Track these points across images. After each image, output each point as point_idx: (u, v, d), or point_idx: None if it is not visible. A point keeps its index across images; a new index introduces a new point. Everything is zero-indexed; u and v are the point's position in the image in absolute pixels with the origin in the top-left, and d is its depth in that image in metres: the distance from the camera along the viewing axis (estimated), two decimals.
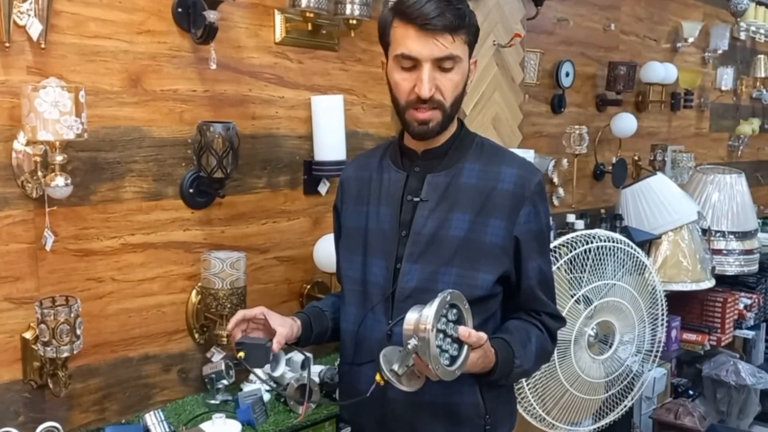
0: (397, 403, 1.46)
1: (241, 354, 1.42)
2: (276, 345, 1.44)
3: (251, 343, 1.44)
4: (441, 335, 1.27)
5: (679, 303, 3.54)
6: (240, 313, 1.48)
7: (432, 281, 1.43)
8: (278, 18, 2.11)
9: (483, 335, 1.31)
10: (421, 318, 1.25)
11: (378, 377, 1.31)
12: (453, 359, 1.29)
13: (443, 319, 1.28)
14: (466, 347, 1.30)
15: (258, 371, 1.51)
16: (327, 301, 1.69)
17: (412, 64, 1.40)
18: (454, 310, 1.30)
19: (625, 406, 2.55)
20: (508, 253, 1.46)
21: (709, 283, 3.29)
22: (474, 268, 1.44)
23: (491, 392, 1.49)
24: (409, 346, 1.25)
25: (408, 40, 1.38)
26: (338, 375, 1.66)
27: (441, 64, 1.39)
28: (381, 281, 1.48)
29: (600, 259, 2.41)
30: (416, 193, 1.48)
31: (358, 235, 1.55)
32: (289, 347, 1.54)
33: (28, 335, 1.69)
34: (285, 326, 1.48)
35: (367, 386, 1.36)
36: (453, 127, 1.51)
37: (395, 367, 1.29)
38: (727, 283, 3.71)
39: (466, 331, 1.29)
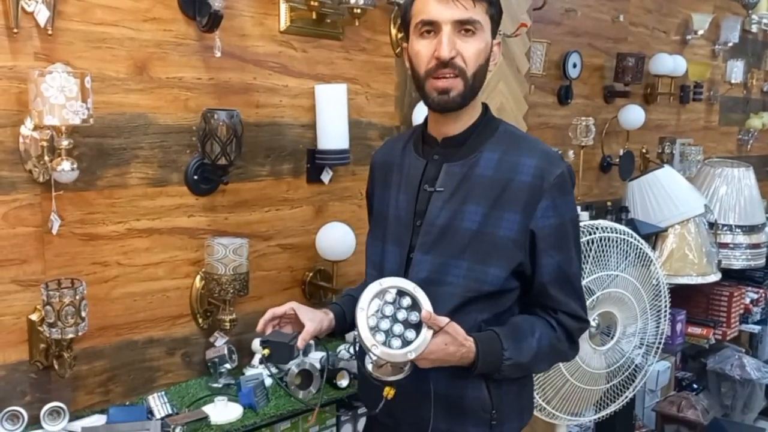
0: (404, 391, 1.42)
1: (266, 351, 1.42)
2: (301, 342, 1.43)
3: (276, 341, 1.43)
4: (388, 320, 1.30)
5: (684, 296, 3.53)
6: (269, 312, 1.47)
7: (442, 273, 1.41)
8: (283, 7, 2.13)
9: (445, 319, 1.32)
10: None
11: (385, 392, 1.35)
12: (407, 342, 1.30)
13: (390, 306, 1.30)
14: (423, 330, 1.31)
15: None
16: (360, 287, 1.65)
17: (433, 30, 1.38)
18: (407, 298, 1.32)
19: (626, 397, 2.56)
20: (523, 247, 1.42)
21: (715, 277, 3.29)
22: (485, 263, 1.41)
23: (498, 387, 1.47)
24: (355, 335, 1.30)
25: (428, 6, 1.38)
26: (357, 359, 1.67)
27: (462, 27, 1.37)
28: (395, 269, 1.48)
29: (603, 251, 2.41)
30: (433, 182, 1.47)
31: (381, 221, 1.56)
32: (317, 341, 1.54)
33: (34, 317, 1.72)
34: (314, 321, 1.48)
35: None
36: (476, 113, 1.48)
37: (371, 359, 1.34)
38: (733, 277, 3.71)
39: (427, 313, 1.30)
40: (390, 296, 1.31)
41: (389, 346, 1.29)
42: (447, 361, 1.36)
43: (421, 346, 1.30)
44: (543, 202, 1.41)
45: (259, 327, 1.47)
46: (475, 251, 1.42)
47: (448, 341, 1.34)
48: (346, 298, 1.65)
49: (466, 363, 1.39)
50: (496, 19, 1.45)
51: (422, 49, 1.40)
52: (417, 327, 1.31)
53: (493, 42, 1.45)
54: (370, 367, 1.36)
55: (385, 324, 1.30)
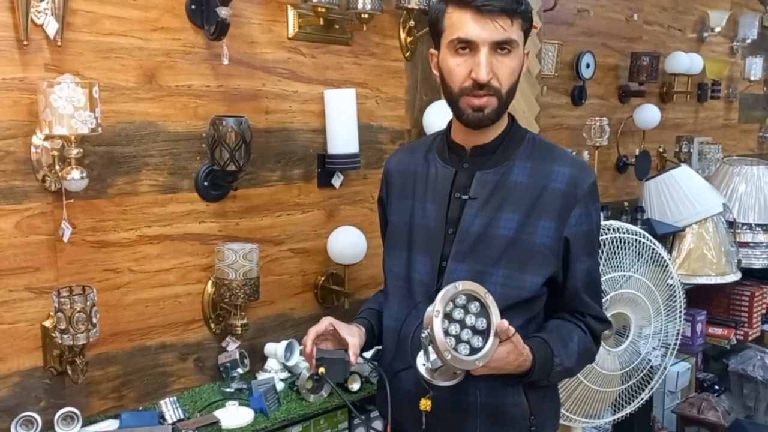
0: (440, 404, 1.40)
1: (322, 369, 1.42)
2: (353, 357, 1.44)
3: (330, 357, 1.44)
4: (457, 325, 1.28)
5: (704, 297, 3.49)
6: (312, 332, 1.46)
7: (478, 281, 1.37)
8: (291, 14, 2.14)
9: (511, 328, 1.31)
10: (432, 308, 1.28)
11: (422, 405, 1.34)
12: (475, 350, 1.29)
13: (460, 310, 1.29)
14: (491, 338, 1.29)
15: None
16: (377, 299, 1.67)
17: (469, 48, 1.37)
18: (477, 303, 1.30)
19: (642, 399, 2.53)
20: (557, 254, 1.44)
21: (735, 276, 3.24)
22: (522, 270, 1.42)
23: (536, 392, 1.47)
24: (423, 337, 1.28)
25: (465, 24, 1.36)
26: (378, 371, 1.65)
27: (499, 48, 1.36)
28: (426, 279, 1.47)
29: (615, 251, 2.40)
30: (464, 190, 1.46)
31: (402, 230, 1.54)
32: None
33: (47, 324, 1.74)
34: (354, 336, 1.47)
35: (409, 385, 1.38)
36: (504, 123, 1.48)
37: (427, 363, 1.32)
38: (755, 276, 3.65)
39: (504, 323, 1.28)
40: (461, 300, 1.29)
41: (457, 352, 1.27)
42: (504, 369, 1.35)
43: (489, 354, 1.29)
44: (577, 209, 1.43)
45: (308, 349, 1.44)
46: (511, 258, 1.42)
47: (510, 350, 1.33)
48: (369, 311, 1.63)
49: (521, 371, 1.39)
50: (527, 31, 1.44)
51: (456, 68, 1.39)
52: (482, 333, 1.30)
53: (523, 53, 1.44)
54: (423, 370, 1.34)
55: (454, 329, 1.28)
